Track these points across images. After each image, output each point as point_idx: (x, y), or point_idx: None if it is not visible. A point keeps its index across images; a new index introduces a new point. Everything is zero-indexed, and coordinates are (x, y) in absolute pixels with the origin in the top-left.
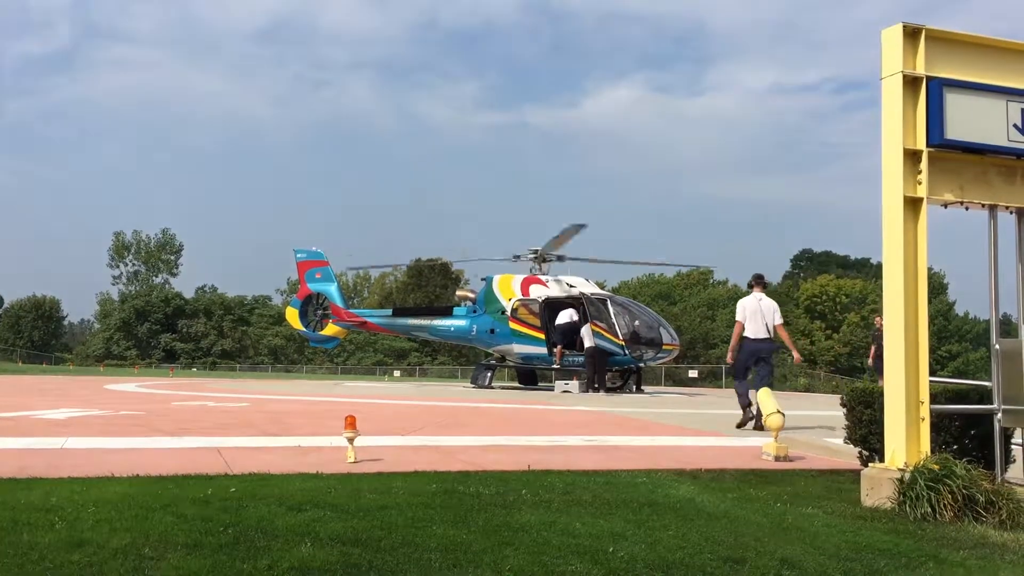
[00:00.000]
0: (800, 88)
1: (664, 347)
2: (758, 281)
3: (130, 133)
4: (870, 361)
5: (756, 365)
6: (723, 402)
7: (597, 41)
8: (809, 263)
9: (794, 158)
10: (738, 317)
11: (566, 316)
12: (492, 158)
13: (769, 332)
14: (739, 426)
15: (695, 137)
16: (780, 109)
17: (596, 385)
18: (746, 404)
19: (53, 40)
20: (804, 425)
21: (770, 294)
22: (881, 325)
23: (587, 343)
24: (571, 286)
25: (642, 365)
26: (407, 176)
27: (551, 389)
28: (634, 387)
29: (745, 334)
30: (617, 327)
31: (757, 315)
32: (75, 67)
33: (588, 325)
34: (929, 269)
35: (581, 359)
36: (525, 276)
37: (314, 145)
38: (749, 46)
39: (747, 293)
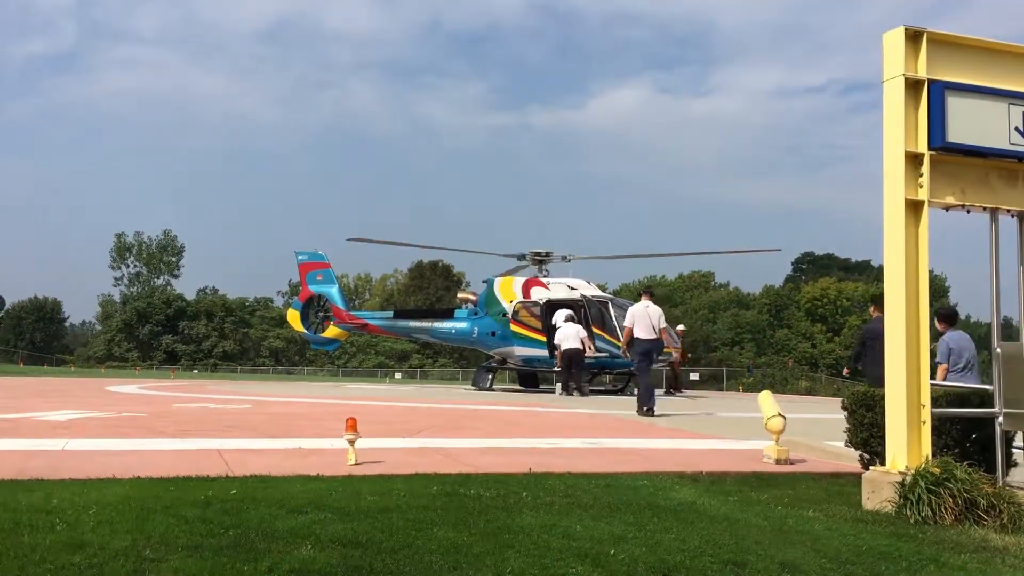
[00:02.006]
0: (805, 90)
1: (665, 350)
2: (647, 291)
3: (132, 134)
4: None
5: (643, 362)
6: (725, 404)
7: (602, 42)
8: (811, 266)
9: (798, 160)
10: (627, 323)
11: (567, 318)
12: (496, 159)
13: (656, 333)
14: (645, 413)
15: (699, 139)
16: (785, 111)
17: (571, 387)
18: (648, 399)
19: (57, 40)
20: (805, 428)
21: (773, 295)
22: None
23: (568, 344)
24: (572, 288)
25: None
26: (410, 177)
27: (552, 391)
28: (635, 389)
29: (636, 335)
30: (618, 329)
31: (645, 319)
32: (79, 67)
33: (579, 327)
34: (930, 272)
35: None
36: (526, 278)
37: (317, 146)
38: (754, 47)
39: (637, 300)
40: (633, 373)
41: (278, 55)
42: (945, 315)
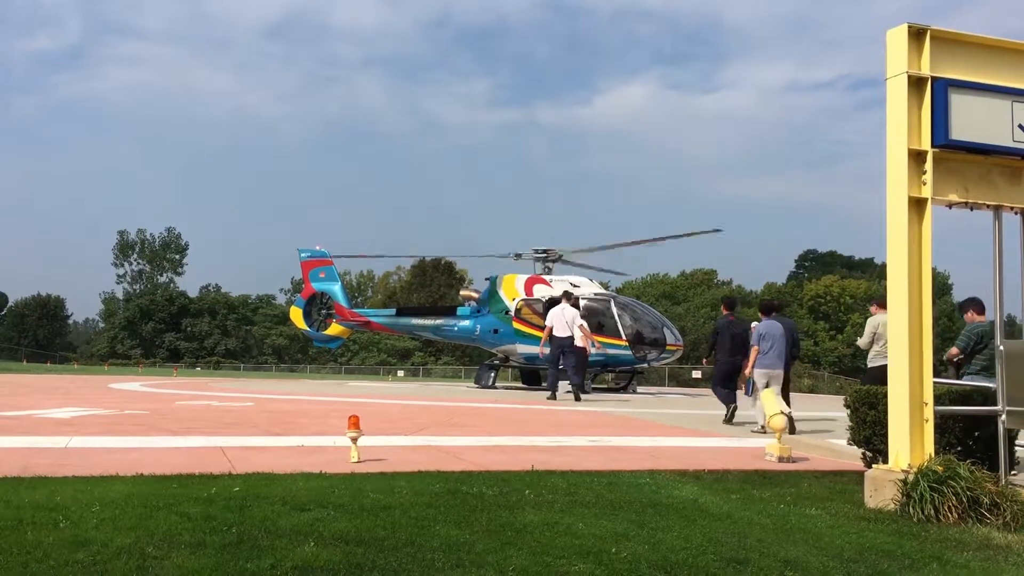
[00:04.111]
0: (815, 85)
1: (668, 347)
2: (566, 296)
3: (137, 131)
4: None
5: (564, 355)
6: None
7: (611, 38)
8: (814, 263)
9: (805, 157)
10: (547, 323)
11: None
12: (502, 156)
13: (571, 332)
14: (550, 398)
15: (707, 135)
16: (793, 107)
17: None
18: (555, 386)
19: (62, 36)
20: (808, 427)
21: (776, 292)
22: None
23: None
24: (575, 286)
25: (646, 365)
26: (415, 174)
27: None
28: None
29: (554, 333)
30: (621, 327)
31: (561, 320)
32: (84, 64)
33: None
34: (933, 270)
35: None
36: (529, 276)
37: (322, 143)
38: (764, 43)
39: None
40: (639, 371)
41: (284, 51)
42: (761, 307)
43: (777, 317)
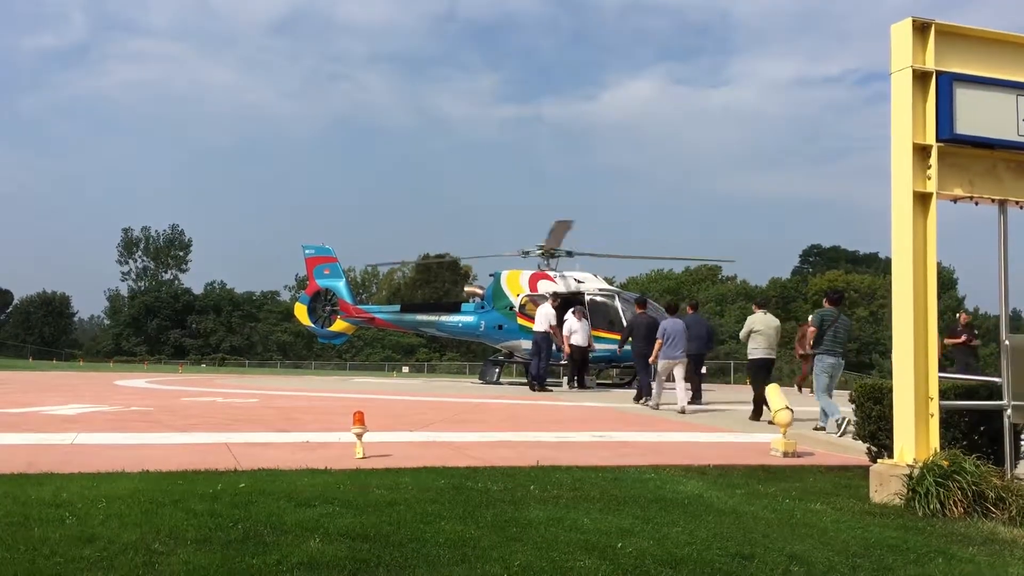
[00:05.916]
0: (823, 80)
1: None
2: (552, 296)
3: (141, 128)
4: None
5: (538, 348)
6: (731, 398)
7: (617, 33)
8: (818, 258)
9: (812, 151)
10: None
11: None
12: (507, 152)
13: (546, 328)
14: (533, 389)
15: (713, 130)
16: (801, 101)
17: (575, 382)
18: (540, 378)
19: (68, 34)
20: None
21: (780, 287)
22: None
23: (575, 340)
24: (579, 282)
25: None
26: (421, 170)
27: (559, 385)
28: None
29: (535, 329)
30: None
31: (543, 318)
32: (89, 61)
33: (582, 322)
34: (938, 264)
35: (592, 355)
36: (533, 272)
37: (327, 139)
38: (771, 37)
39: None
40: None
41: (289, 47)
42: (666, 307)
43: (692, 316)
